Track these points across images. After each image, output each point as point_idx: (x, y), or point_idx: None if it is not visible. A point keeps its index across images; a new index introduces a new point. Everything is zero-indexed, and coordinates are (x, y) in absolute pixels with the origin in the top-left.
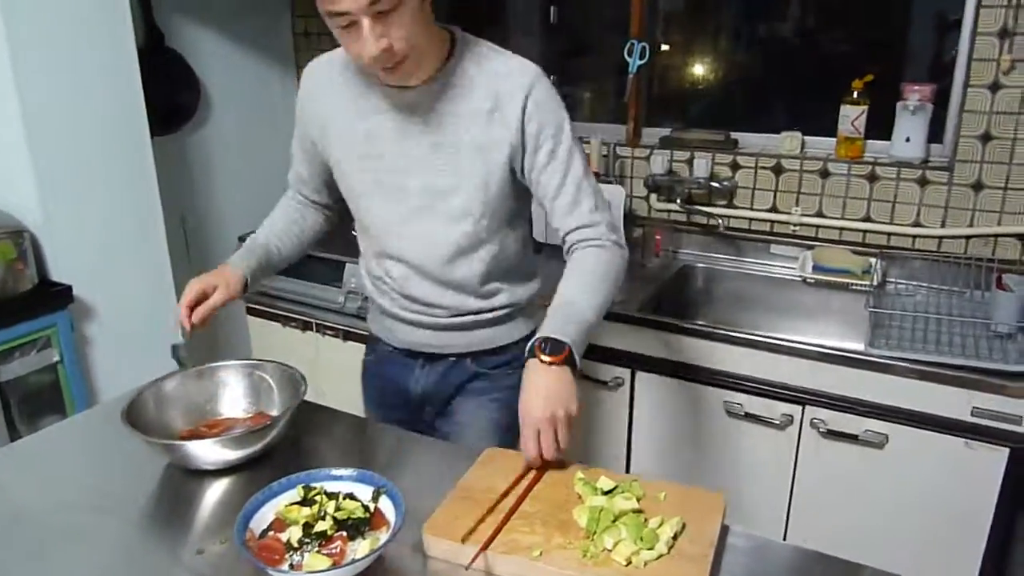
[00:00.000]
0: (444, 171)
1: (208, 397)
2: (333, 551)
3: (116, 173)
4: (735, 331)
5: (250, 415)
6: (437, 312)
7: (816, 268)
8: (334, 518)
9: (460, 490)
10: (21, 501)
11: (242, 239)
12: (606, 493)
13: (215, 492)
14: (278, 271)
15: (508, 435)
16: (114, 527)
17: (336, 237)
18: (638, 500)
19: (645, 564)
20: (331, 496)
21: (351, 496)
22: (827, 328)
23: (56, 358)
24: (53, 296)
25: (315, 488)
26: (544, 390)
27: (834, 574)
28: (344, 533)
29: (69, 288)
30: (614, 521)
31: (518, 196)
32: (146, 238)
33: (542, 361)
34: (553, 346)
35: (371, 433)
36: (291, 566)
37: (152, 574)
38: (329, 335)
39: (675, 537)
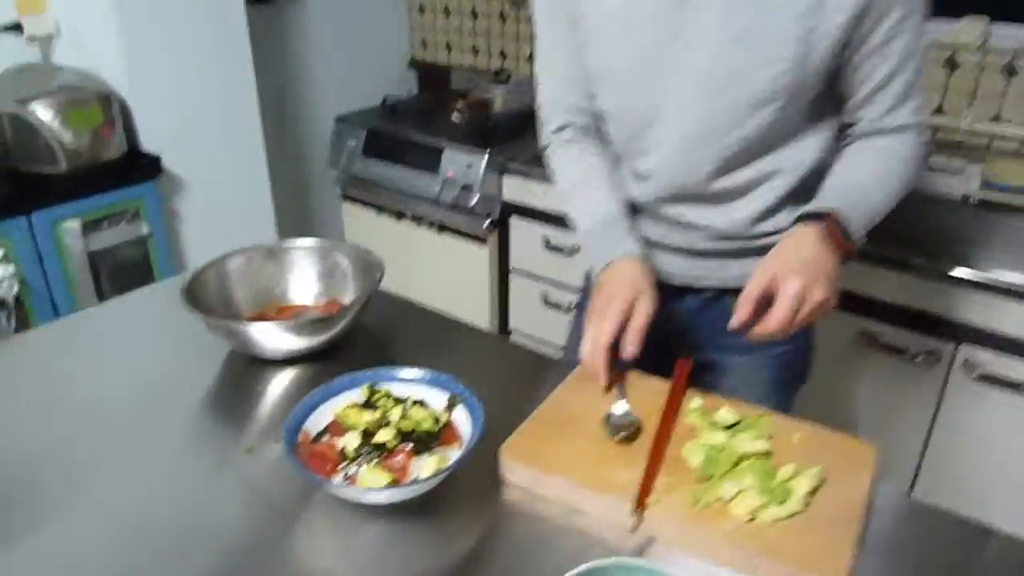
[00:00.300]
0: (744, 43)
1: (277, 279)
2: (395, 466)
3: (208, 41)
4: (875, 248)
5: (322, 302)
6: (695, 235)
7: (986, 185)
8: (398, 428)
9: (551, 407)
10: (71, 376)
11: (340, 120)
12: (727, 429)
13: (276, 385)
14: None
15: (785, 397)
16: (162, 414)
17: (434, 117)
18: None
19: (772, 523)
20: (397, 401)
21: (421, 403)
22: (990, 258)
23: (145, 231)
24: (141, 166)
25: (380, 390)
26: (801, 255)
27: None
28: (409, 446)
29: (157, 159)
30: (735, 465)
31: (831, 82)
32: (238, 111)
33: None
34: (823, 218)
35: (456, 333)
36: (346, 478)
37: (194, 471)
38: (423, 227)
39: (812, 493)
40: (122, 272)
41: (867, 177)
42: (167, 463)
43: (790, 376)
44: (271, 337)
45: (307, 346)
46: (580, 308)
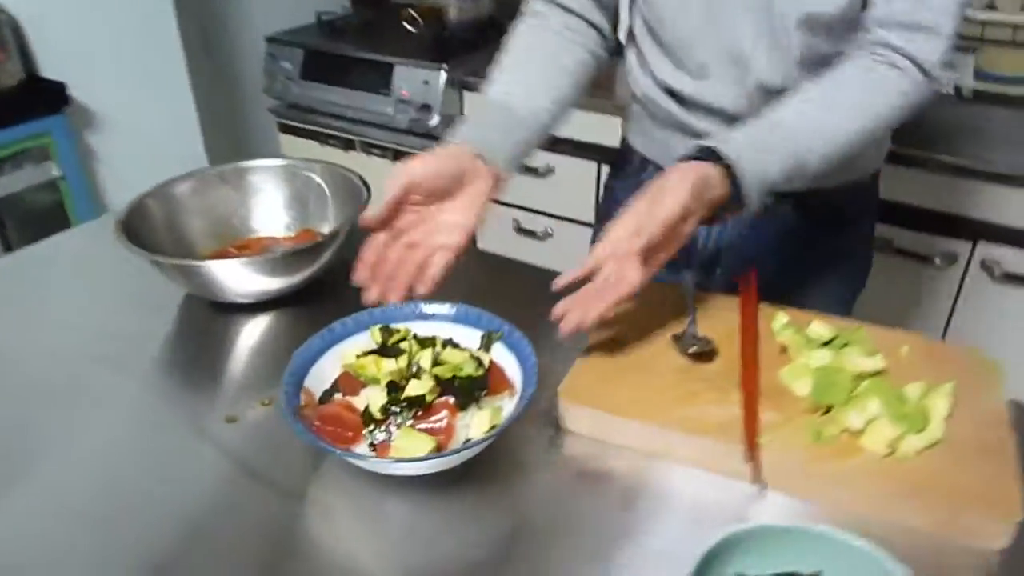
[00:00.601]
0: None
1: (236, 208)
2: (436, 425)
3: None
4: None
5: (294, 234)
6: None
7: (979, 76)
8: (435, 377)
9: (605, 338)
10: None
11: (271, 40)
12: (824, 346)
13: (248, 336)
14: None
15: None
16: (114, 383)
17: (379, 31)
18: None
19: (916, 454)
20: (423, 343)
21: (453, 344)
22: (993, 151)
23: (56, 173)
24: (43, 95)
25: (399, 331)
26: (652, 217)
27: None
28: (451, 399)
29: (61, 86)
30: (853, 389)
31: None
32: (154, 32)
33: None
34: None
35: (466, 260)
36: (372, 447)
37: (164, 449)
38: (376, 155)
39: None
40: (32, 222)
41: (813, 121)
42: (127, 440)
43: (854, 281)
44: (237, 277)
45: (282, 287)
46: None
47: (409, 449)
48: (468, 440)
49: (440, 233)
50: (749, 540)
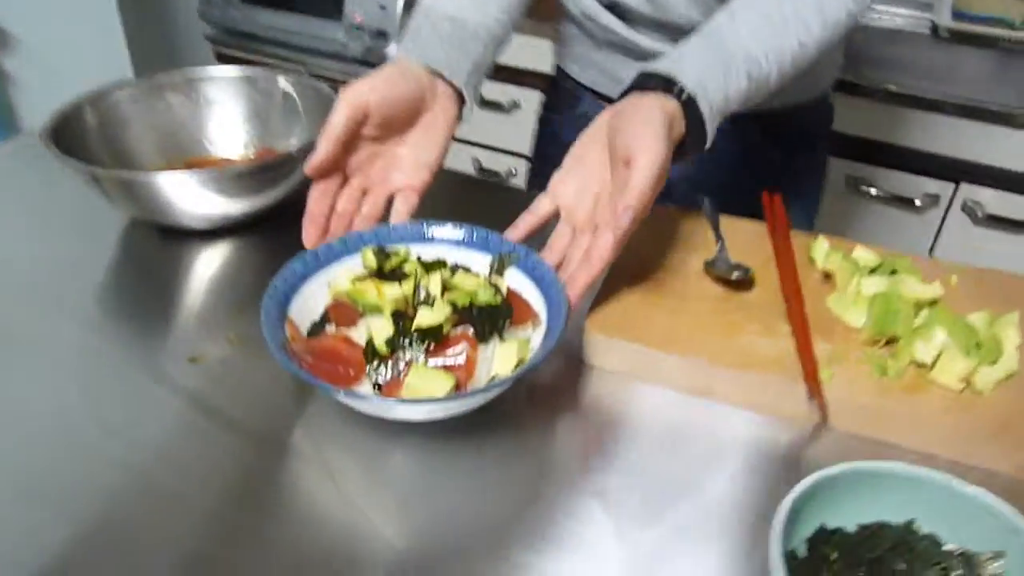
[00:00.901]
0: None
1: (185, 122)
2: (455, 361)
3: None
4: (861, 81)
5: (253, 154)
6: None
7: (956, 16)
8: (452, 304)
9: (630, 264)
10: None
11: None
12: (872, 273)
13: (205, 266)
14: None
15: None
16: (49, 325)
17: None
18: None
19: (994, 388)
20: (429, 268)
21: (464, 268)
22: (974, 91)
23: None
24: None
25: (397, 253)
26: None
27: None
28: (469, 330)
29: None
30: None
31: None
32: None
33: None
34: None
35: (452, 182)
36: (377, 387)
37: (116, 399)
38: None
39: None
40: None
41: (765, 33)
42: (69, 389)
43: (808, 211)
44: (194, 196)
45: (245, 210)
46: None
47: (425, 389)
48: (494, 377)
49: (399, 172)
50: (831, 487)
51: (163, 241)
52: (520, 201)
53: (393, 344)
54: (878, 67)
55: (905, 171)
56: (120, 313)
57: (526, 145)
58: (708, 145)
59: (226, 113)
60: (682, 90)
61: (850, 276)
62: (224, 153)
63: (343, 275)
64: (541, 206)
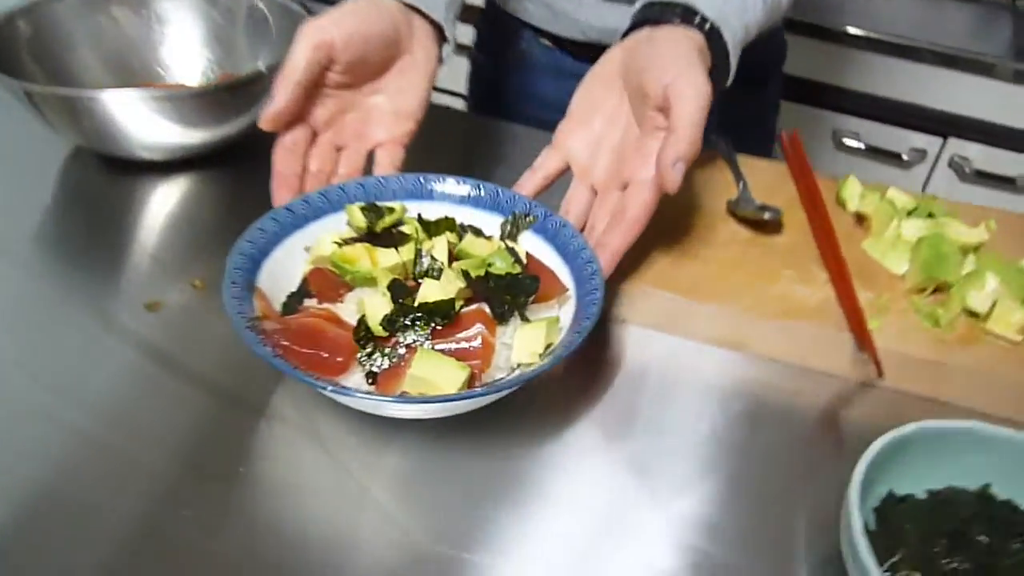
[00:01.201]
0: None
1: (135, 44)
2: (469, 346)
3: None
4: (844, 28)
5: (216, 77)
6: None
7: None
8: (464, 273)
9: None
10: None
11: None
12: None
13: (164, 203)
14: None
15: None
16: None
17: None
18: None
19: None
20: (433, 228)
21: (474, 230)
22: (955, 44)
23: None
24: None
25: (392, 209)
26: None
27: None
28: (485, 307)
29: None
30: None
31: None
32: None
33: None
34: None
35: (448, 123)
36: (371, 377)
37: (62, 351)
38: None
39: None
40: None
41: None
42: (8, 340)
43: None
44: (144, 119)
45: (206, 139)
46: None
47: (432, 381)
48: (518, 366)
49: (378, 126)
50: (901, 450)
51: (113, 174)
52: (484, 132)
53: (392, 323)
54: (860, 16)
55: (892, 124)
56: (63, 255)
57: (461, 83)
58: (730, 82)
59: (182, 34)
60: (704, 19)
61: (888, 219)
62: (181, 78)
63: (325, 237)
64: (548, 163)
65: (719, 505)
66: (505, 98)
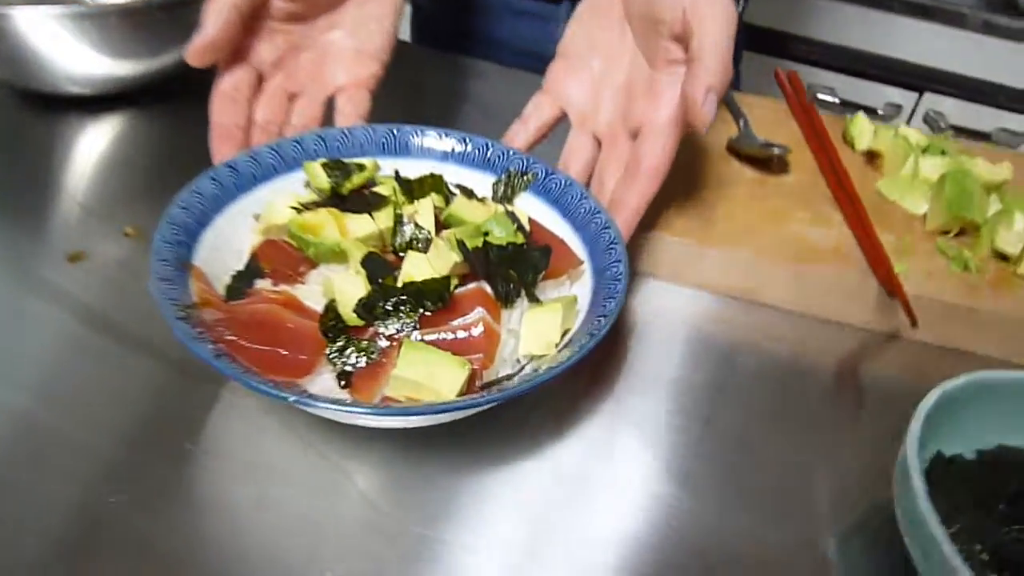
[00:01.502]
0: None
1: None
2: (467, 336)
3: None
4: None
5: None
6: None
7: None
8: (460, 244)
9: None
10: None
11: None
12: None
13: (90, 144)
14: None
15: None
16: None
17: None
18: None
19: None
20: (413, 189)
21: (464, 190)
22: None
23: None
24: None
25: (362, 166)
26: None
27: None
28: (486, 286)
29: None
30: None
31: None
32: None
33: None
34: None
35: (415, 59)
36: (344, 379)
37: None
38: None
39: None
40: None
41: None
42: None
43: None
44: (65, 44)
45: (140, 70)
46: None
47: (423, 381)
48: (528, 359)
49: (338, 66)
50: (949, 406)
51: (34, 111)
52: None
53: (369, 310)
54: None
55: (868, 79)
56: None
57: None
58: (741, 8)
59: None
60: None
61: (904, 157)
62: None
63: (278, 202)
64: (541, 112)
65: (733, 482)
66: (453, 42)
